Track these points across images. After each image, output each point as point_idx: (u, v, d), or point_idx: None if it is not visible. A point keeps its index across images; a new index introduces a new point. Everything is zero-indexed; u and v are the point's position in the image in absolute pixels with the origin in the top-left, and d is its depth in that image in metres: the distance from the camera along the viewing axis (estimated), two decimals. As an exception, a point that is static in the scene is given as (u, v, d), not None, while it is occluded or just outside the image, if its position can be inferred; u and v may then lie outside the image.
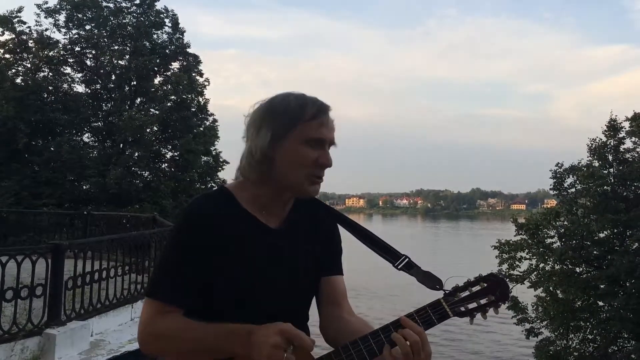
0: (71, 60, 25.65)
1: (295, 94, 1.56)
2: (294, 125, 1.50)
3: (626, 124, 20.16)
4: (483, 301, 1.51)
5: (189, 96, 25.96)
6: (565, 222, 20.36)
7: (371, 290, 33.01)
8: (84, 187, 23.58)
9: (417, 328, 1.44)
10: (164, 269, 1.52)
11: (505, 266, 20.53)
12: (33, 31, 24.50)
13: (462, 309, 1.51)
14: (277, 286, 1.54)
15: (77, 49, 25.59)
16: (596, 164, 20.39)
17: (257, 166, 1.53)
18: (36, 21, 24.66)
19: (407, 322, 1.45)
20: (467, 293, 1.52)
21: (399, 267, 1.61)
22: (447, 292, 1.53)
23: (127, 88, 26.29)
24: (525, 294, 20.36)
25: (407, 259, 1.62)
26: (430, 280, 1.57)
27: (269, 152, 1.51)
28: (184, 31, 27.00)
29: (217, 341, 1.40)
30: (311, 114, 1.51)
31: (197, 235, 1.48)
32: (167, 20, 26.58)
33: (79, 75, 25.99)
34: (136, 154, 24.46)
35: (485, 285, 1.53)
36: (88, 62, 25.95)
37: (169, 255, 1.52)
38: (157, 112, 25.28)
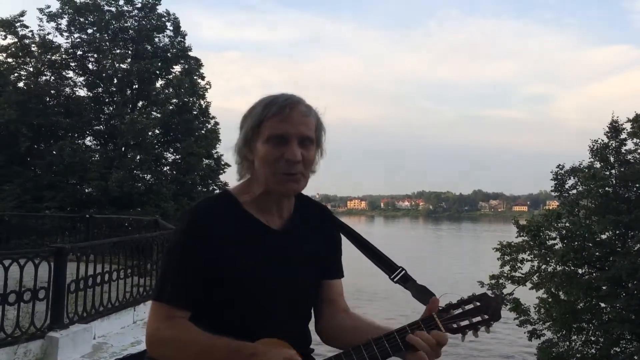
0: (73, 64, 25.74)
1: (270, 95, 1.58)
2: (259, 126, 1.53)
3: (628, 125, 20.16)
4: (475, 319, 1.54)
5: (191, 99, 26.08)
6: (567, 224, 20.32)
7: (372, 292, 32.90)
8: (86, 190, 23.66)
9: (431, 340, 1.48)
10: (169, 272, 1.53)
11: (507, 268, 20.51)
12: (35, 35, 24.64)
13: (455, 325, 1.53)
14: (278, 287, 1.55)
15: (79, 52, 25.68)
16: (598, 165, 20.36)
17: (239, 167, 1.60)
18: (39, 25, 24.83)
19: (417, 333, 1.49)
20: (460, 310, 1.55)
21: (394, 279, 1.65)
22: (440, 308, 1.55)
23: (128, 91, 26.37)
24: (527, 295, 20.32)
25: (404, 272, 1.65)
26: (424, 295, 1.61)
27: (246, 154, 1.56)
28: (186, 34, 27.11)
29: (220, 357, 1.42)
30: (273, 111, 1.52)
31: (200, 238, 1.50)
32: (168, 24, 26.69)
33: (81, 78, 26.11)
34: (138, 157, 24.50)
35: (479, 304, 1.56)
36: (90, 66, 26.04)
37: (174, 258, 1.54)
38: (158, 115, 25.35)
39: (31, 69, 24.74)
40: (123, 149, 25.15)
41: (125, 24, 26.07)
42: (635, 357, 17.12)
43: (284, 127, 1.51)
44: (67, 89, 25.66)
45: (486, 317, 1.55)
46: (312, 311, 1.70)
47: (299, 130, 1.52)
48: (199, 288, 1.50)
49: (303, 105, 1.56)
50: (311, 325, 1.68)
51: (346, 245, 1.76)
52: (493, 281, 20.22)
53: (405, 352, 1.48)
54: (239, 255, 1.52)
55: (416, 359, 1.47)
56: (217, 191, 24.76)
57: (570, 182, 20.84)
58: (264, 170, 1.52)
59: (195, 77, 26.74)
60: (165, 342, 1.47)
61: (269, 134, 1.51)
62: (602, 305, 18.84)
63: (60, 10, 25.03)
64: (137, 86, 26.17)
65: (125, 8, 26.05)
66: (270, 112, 1.52)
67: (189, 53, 27.07)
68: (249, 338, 1.45)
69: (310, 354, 1.61)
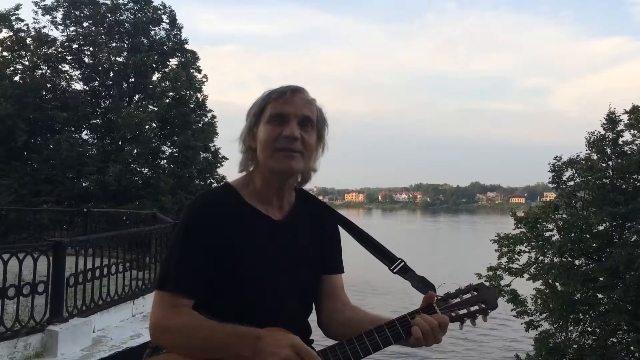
0: (69, 58, 25.63)
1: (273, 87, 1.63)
2: (262, 111, 1.58)
3: (625, 117, 20.14)
4: (473, 308, 1.59)
5: (187, 92, 25.97)
6: (564, 215, 20.35)
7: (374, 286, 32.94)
8: (84, 184, 23.60)
9: (432, 320, 1.51)
10: (172, 261, 1.55)
11: (504, 260, 20.54)
12: (31, 29, 24.52)
13: (453, 314, 1.57)
14: (278, 275, 1.57)
15: (74, 46, 25.56)
16: (595, 157, 20.37)
17: (243, 156, 1.62)
18: (34, 19, 24.72)
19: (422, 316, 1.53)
20: (458, 299, 1.59)
21: (394, 270, 1.67)
22: (439, 297, 1.58)
23: (125, 85, 26.29)
24: (524, 286, 20.39)
25: (403, 263, 1.67)
26: (424, 285, 1.63)
27: (250, 142, 1.60)
28: (182, 27, 27.01)
29: (226, 341, 1.43)
30: (274, 95, 1.57)
31: (203, 228, 1.52)
32: (164, 17, 26.58)
33: (77, 72, 26.02)
34: (135, 151, 24.46)
35: (476, 293, 1.60)
36: (86, 60, 25.93)
37: (176, 248, 1.55)
38: (155, 108, 25.29)
39: (27, 63, 24.63)
40: (120, 142, 25.09)
41: (121, 17, 25.95)
42: (632, 348, 17.22)
43: (285, 107, 1.56)
44: (63, 83, 25.58)
45: (483, 305, 1.59)
46: (313, 304, 1.72)
47: (298, 110, 1.56)
48: (202, 277, 1.51)
49: (306, 93, 1.61)
50: (311, 319, 1.69)
51: (349, 238, 1.78)
52: (490, 273, 20.25)
53: (406, 339, 1.51)
54: (240, 245, 1.54)
55: (416, 343, 1.50)
56: (215, 184, 24.78)
57: (568, 173, 20.87)
58: (264, 150, 1.56)
59: (191, 71, 26.66)
60: (170, 329, 1.48)
61: (270, 114, 1.56)
62: (599, 296, 18.88)
63: (55, 4, 24.90)
64: (133, 79, 26.08)
65: (120, 1, 25.93)
66: (272, 96, 1.58)
67: (185, 46, 27.00)
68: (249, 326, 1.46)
69: (311, 345, 1.62)
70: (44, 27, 24.76)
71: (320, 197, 1.86)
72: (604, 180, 19.74)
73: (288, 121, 1.54)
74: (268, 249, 1.57)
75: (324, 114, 1.65)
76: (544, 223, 20.52)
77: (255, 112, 1.59)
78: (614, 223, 19.53)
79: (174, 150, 26.13)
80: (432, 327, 1.49)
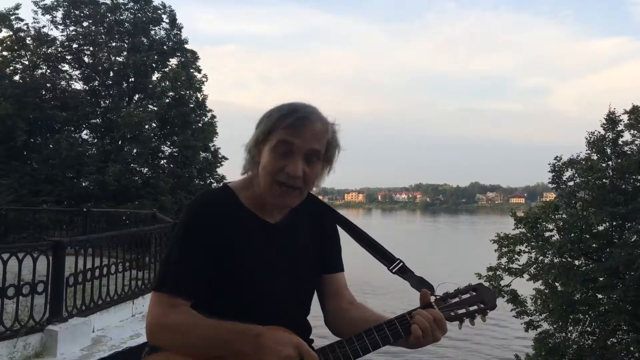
0: (69, 57, 25.64)
1: (290, 104, 1.57)
2: (271, 132, 1.52)
3: (625, 117, 20.15)
4: (472, 308, 1.60)
5: (187, 92, 25.98)
6: (564, 216, 20.35)
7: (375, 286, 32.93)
8: (83, 184, 23.60)
9: (429, 316, 1.52)
10: (170, 262, 1.54)
11: (504, 260, 20.55)
12: (30, 28, 24.52)
13: (452, 313, 1.58)
14: (277, 277, 1.57)
15: (74, 45, 25.56)
16: (595, 157, 20.38)
17: (246, 163, 1.60)
18: (33, 18, 24.72)
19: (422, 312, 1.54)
20: (457, 299, 1.60)
21: (393, 270, 1.68)
22: (438, 297, 1.59)
23: (125, 85, 26.29)
24: (524, 287, 20.40)
25: (402, 263, 1.68)
26: (423, 285, 1.64)
27: (254, 154, 1.56)
28: (182, 27, 27.02)
29: (225, 338, 1.43)
30: (286, 123, 1.51)
31: (203, 228, 1.52)
32: (164, 16, 26.59)
33: (77, 72, 26.03)
34: (135, 151, 24.47)
35: (475, 293, 1.62)
36: (86, 59, 25.93)
37: (174, 249, 1.55)
38: (155, 108, 25.30)
39: (27, 63, 24.64)
40: (120, 142, 25.10)
41: (121, 17, 25.95)
42: (632, 348, 17.22)
43: (291, 140, 1.50)
44: (63, 83, 25.59)
45: (482, 305, 1.60)
46: (316, 304, 1.72)
47: (306, 144, 1.51)
48: (201, 277, 1.51)
49: (319, 123, 1.54)
50: (313, 319, 1.69)
51: (348, 238, 1.78)
52: (490, 273, 20.26)
53: (406, 337, 1.52)
54: (239, 248, 1.54)
55: (415, 342, 1.51)
56: (215, 184, 24.82)
57: (568, 174, 20.87)
58: (263, 178, 1.53)
59: (191, 70, 26.67)
60: (168, 328, 1.47)
61: (276, 143, 1.51)
62: (599, 296, 18.89)
63: (55, 3, 24.90)
64: (133, 79, 26.09)
65: (120, 0, 25.93)
66: (284, 122, 1.51)
67: (185, 46, 27.00)
68: None
69: (310, 344, 1.62)
70: (44, 26, 24.81)
71: (320, 197, 1.85)
72: (604, 180, 19.75)
73: (293, 155, 1.50)
74: (266, 252, 1.57)
75: (337, 137, 1.59)
76: (544, 223, 20.53)
77: (264, 130, 1.53)
78: (614, 223, 19.54)
79: (174, 150, 26.14)
80: (429, 322, 1.50)
